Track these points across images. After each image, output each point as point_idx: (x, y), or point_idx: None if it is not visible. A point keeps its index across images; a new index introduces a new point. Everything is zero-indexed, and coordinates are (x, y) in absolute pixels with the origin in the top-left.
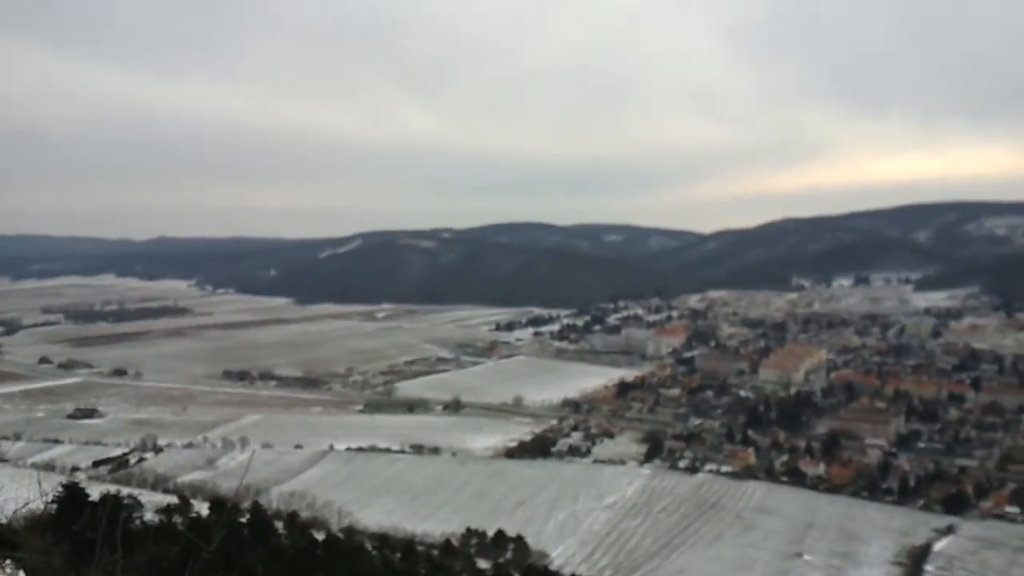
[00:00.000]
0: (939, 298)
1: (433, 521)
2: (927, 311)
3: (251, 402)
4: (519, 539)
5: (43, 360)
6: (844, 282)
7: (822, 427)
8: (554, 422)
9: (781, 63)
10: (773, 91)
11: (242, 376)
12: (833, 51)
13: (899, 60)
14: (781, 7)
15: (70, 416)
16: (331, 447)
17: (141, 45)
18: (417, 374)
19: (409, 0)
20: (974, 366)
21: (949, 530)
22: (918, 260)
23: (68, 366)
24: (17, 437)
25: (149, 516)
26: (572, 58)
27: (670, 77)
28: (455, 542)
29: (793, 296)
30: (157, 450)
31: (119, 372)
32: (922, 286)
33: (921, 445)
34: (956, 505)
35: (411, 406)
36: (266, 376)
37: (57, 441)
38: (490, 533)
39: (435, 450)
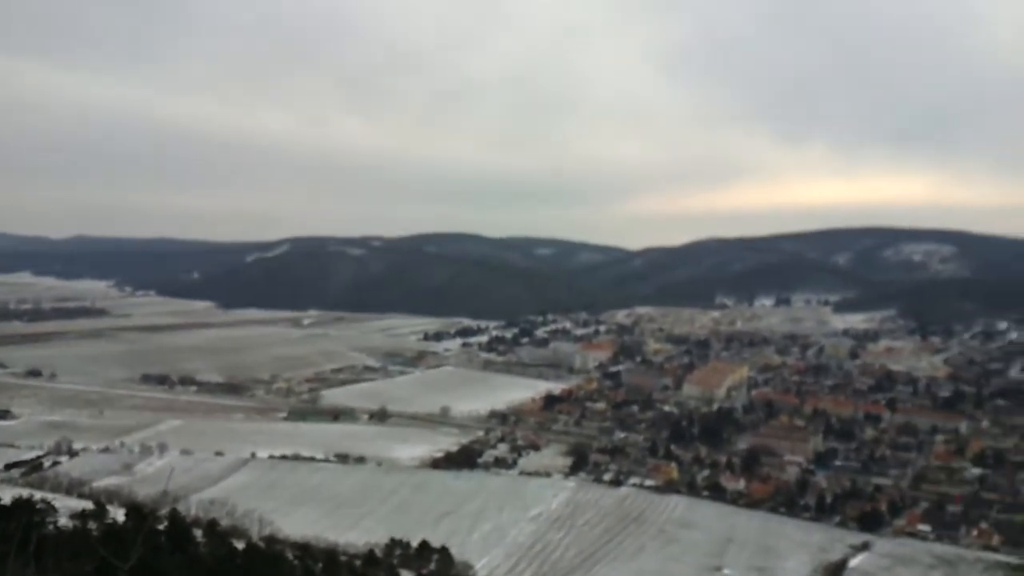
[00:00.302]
0: (857, 320)
1: (357, 531)
2: (845, 332)
3: (171, 407)
4: (443, 550)
5: None
6: (766, 302)
7: (743, 443)
8: (481, 433)
9: (711, 87)
10: (702, 114)
11: (162, 380)
12: (761, 78)
13: (824, 90)
14: (712, 34)
15: None
16: (253, 455)
17: (72, 42)
18: (344, 382)
19: (348, 10)
20: (890, 387)
21: (864, 547)
22: (838, 283)
23: None
24: None
25: (63, 522)
26: (509, 71)
27: (605, 95)
28: (379, 552)
29: (717, 314)
30: (72, 454)
31: (34, 373)
32: (841, 308)
33: (838, 463)
34: (871, 522)
35: (337, 415)
36: (187, 381)
37: None
38: (414, 544)
39: (360, 459)
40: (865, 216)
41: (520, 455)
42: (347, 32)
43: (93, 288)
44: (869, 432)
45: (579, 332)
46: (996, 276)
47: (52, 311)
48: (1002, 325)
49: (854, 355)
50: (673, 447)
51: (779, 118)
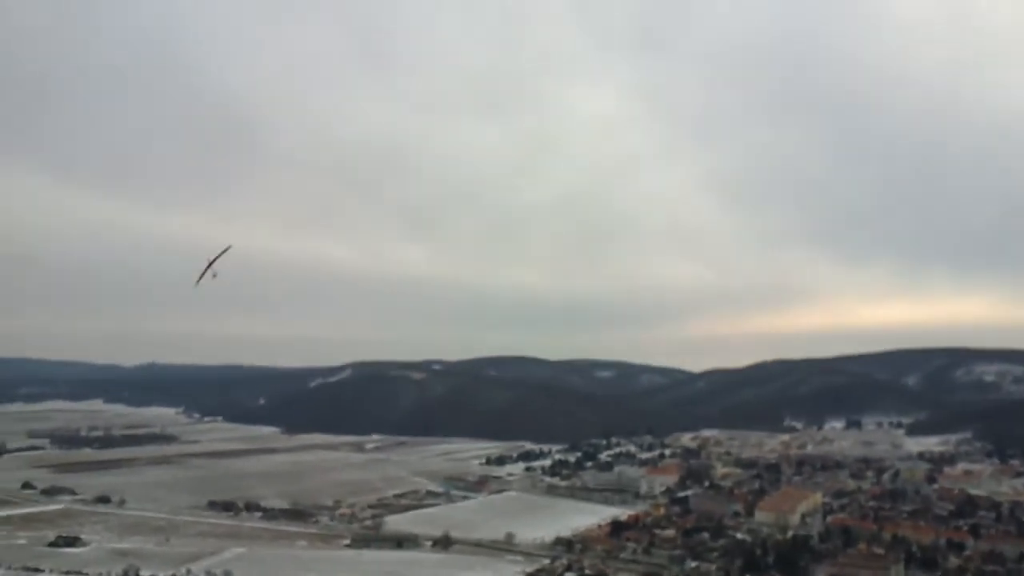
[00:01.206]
0: (932, 443)
1: None
2: (920, 455)
3: (235, 534)
4: None
5: (26, 485)
6: (836, 424)
7: (820, 572)
8: (547, 561)
9: (767, 211)
10: (759, 237)
11: (227, 506)
12: (817, 202)
13: (880, 212)
14: (767, 159)
15: (51, 544)
16: None
17: (141, 176)
18: (406, 508)
19: (408, 144)
20: (971, 512)
21: None
22: (909, 404)
23: (51, 492)
24: None
25: None
26: (563, 200)
27: (658, 219)
28: None
29: (786, 437)
30: None
31: (103, 499)
32: (914, 430)
33: None
34: None
35: (400, 541)
36: (252, 507)
37: (38, 570)
38: None
39: None
40: (932, 337)
41: None
42: (406, 166)
43: (162, 415)
44: (953, 560)
45: (643, 456)
46: None
47: (122, 438)
48: None
49: (931, 479)
50: None
51: (838, 240)
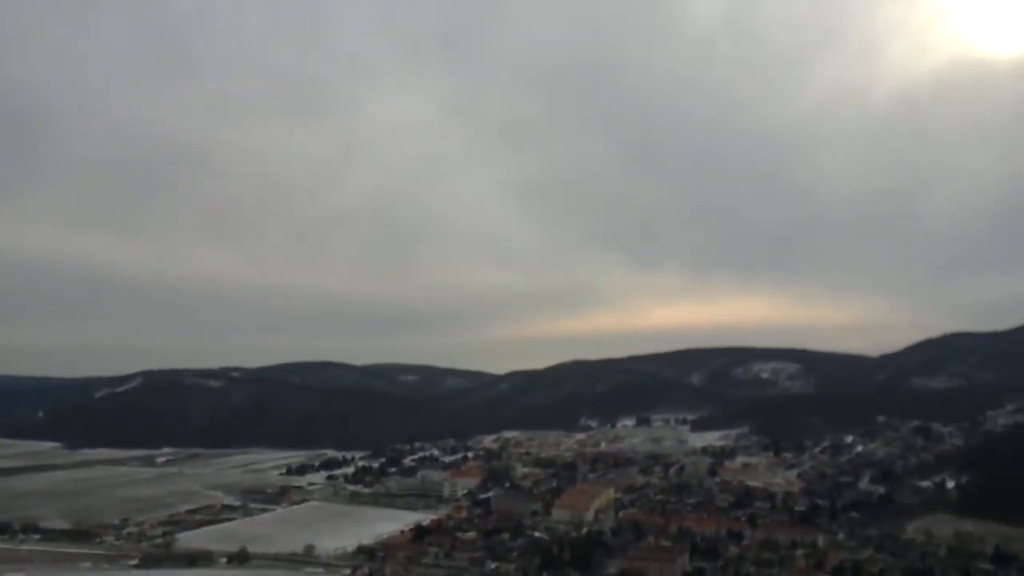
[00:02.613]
0: (714, 437)
1: None
2: (704, 450)
3: (11, 558)
4: None
5: None
6: (628, 422)
7: (613, 567)
8: (347, 571)
9: (565, 218)
10: (558, 243)
11: (2, 529)
12: (612, 210)
13: (671, 220)
14: (564, 169)
15: None
16: None
17: None
18: (200, 523)
19: (211, 146)
20: (749, 503)
21: None
22: (694, 401)
23: None
24: None
25: None
26: (370, 204)
27: (464, 224)
28: None
29: (582, 436)
30: None
31: None
32: (698, 426)
33: None
34: None
35: (192, 559)
36: (30, 528)
37: None
38: None
39: None
40: (716, 337)
41: None
42: (208, 169)
43: None
44: (733, 549)
45: (447, 459)
46: (838, 392)
47: None
48: (848, 439)
49: (713, 472)
50: (545, 575)
51: (633, 246)
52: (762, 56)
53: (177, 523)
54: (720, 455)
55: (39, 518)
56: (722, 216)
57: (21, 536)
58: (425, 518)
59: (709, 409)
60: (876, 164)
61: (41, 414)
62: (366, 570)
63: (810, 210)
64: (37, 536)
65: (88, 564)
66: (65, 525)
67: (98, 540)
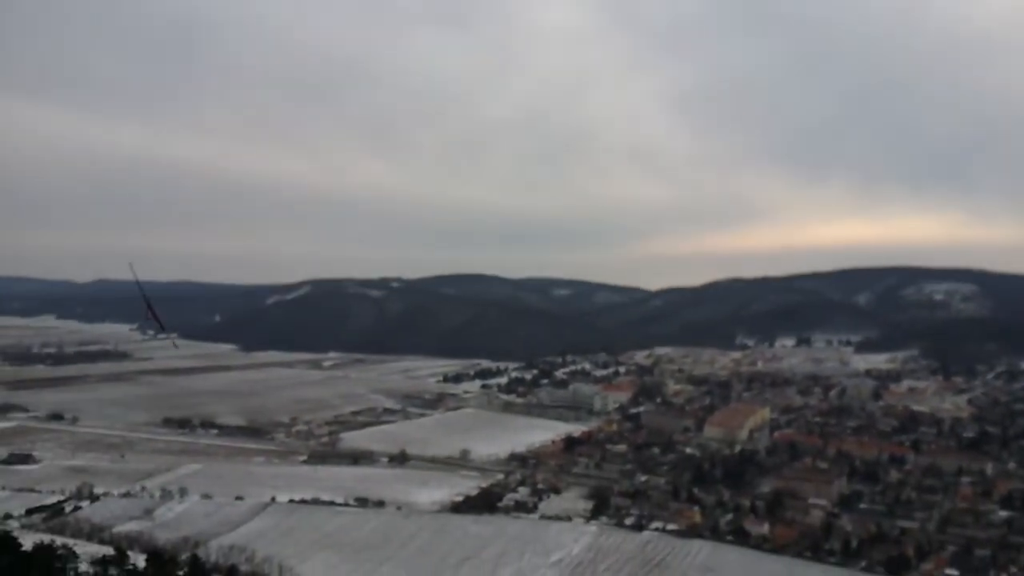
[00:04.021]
0: (879, 360)
1: None
2: (867, 373)
3: (191, 451)
4: None
5: None
6: (787, 342)
7: (766, 486)
8: (500, 476)
9: (724, 130)
10: (716, 155)
11: (182, 424)
12: (774, 121)
13: (839, 130)
14: (724, 78)
15: (3, 461)
16: (273, 499)
17: (89, 87)
18: (363, 425)
19: (366, 56)
20: (913, 428)
21: None
22: (858, 323)
23: (3, 409)
24: None
25: (84, 567)
26: (524, 115)
27: (618, 137)
28: None
29: (737, 355)
30: (93, 498)
31: (56, 416)
32: (862, 348)
33: (863, 506)
34: (897, 567)
35: (356, 458)
36: (207, 424)
37: None
38: None
39: (380, 503)
40: (885, 256)
41: (540, 499)
42: (363, 80)
43: (115, 331)
44: (894, 474)
45: (599, 373)
46: (1016, 315)
47: (75, 355)
48: None
49: (877, 396)
50: (695, 490)
51: (794, 159)
52: None
53: (342, 424)
54: (885, 378)
55: (216, 415)
56: (894, 126)
57: (199, 431)
58: (576, 429)
59: (875, 331)
60: None
61: (218, 318)
62: (518, 476)
63: (990, 120)
64: (214, 431)
65: (261, 459)
66: (239, 422)
67: (269, 437)
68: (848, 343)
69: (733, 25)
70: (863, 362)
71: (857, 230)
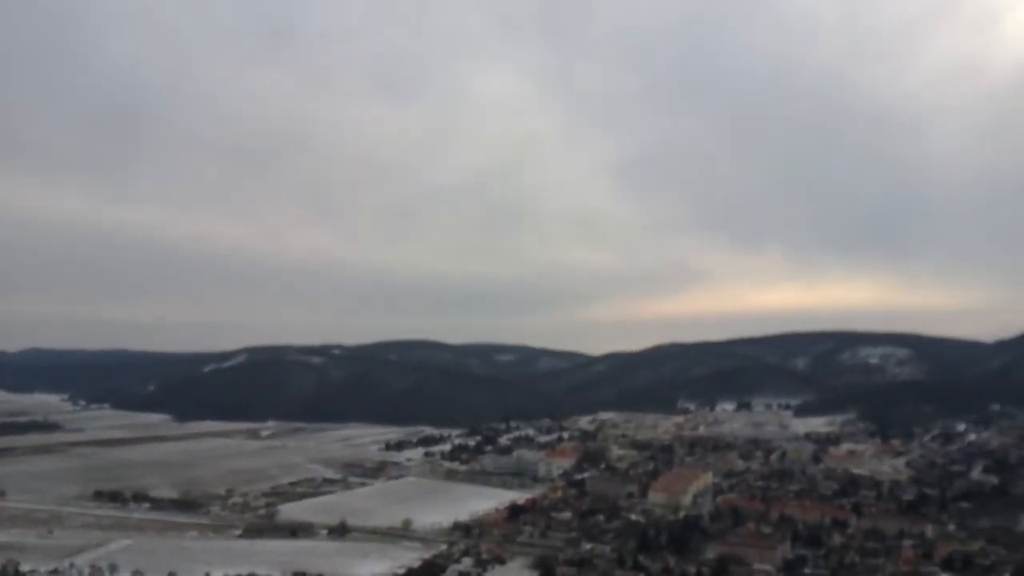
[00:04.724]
0: (818, 424)
1: None
2: (807, 436)
3: (122, 525)
4: None
5: None
6: (727, 406)
7: (711, 552)
8: (444, 547)
9: (662, 198)
10: (655, 222)
11: (114, 497)
12: (710, 190)
13: (773, 197)
14: (661, 148)
15: None
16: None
17: (28, 153)
18: (302, 496)
19: (309, 125)
20: (854, 491)
21: None
22: (797, 387)
23: None
24: None
25: None
26: (466, 182)
27: (559, 204)
28: None
29: (679, 419)
30: None
31: None
32: (801, 412)
33: (807, 571)
34: None
35: (294, 530)
36: (140, 497)
37: None
38: None
39: None
40: (821, 321)
41: (485, 569)
42: (307, 147)
43: (46, 402)
44: (837, 538)
45: (542, 439)
46: (950, 378)
47: (1, 426)
48: (960, 427)
49: (817, 459)
50: (641, 558)
51: (730, 226)
52: (870, 28)
53: (280, 495)
54: (824, 441)
55: (149, 487)
56: (826, 195)
57: (132, 504)
58: (520, 497)
59: (813, 395)
60: (991, 142)
61: (152, 387)
62: (462, 546)
63: (920, 189)
64: (147, 505)
65: (194, 533)
66: (173, 495)
67: (204, 510)
68: (787, 407)
69: (668, 96)
70: (802, 425)
71: (793, 295)
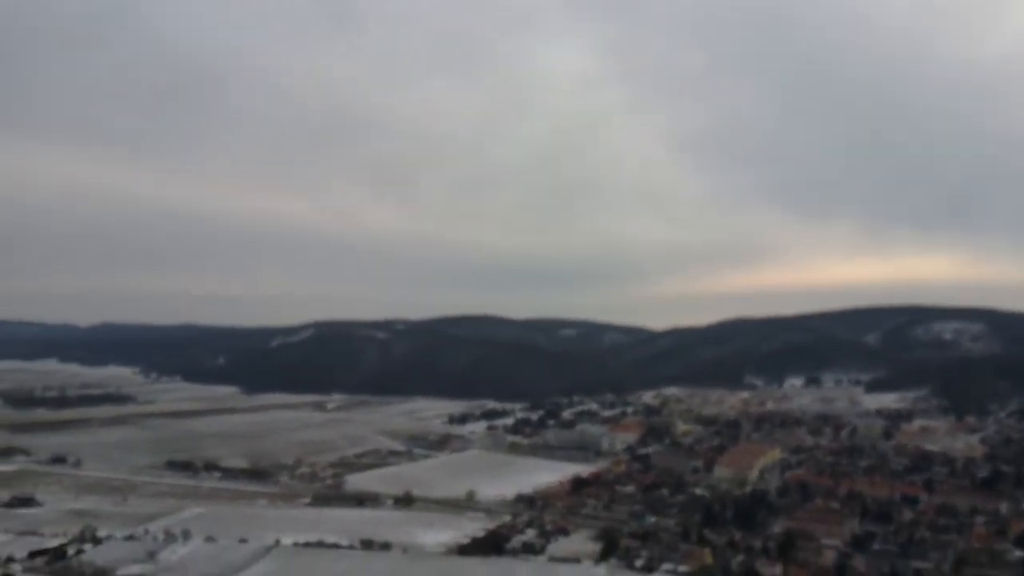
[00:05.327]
0: (889, 400)
1: None
2: (878, 412)
3: (194, 494)
4: None
5: None
6: (796, 382)
7: (777, 527)
8: (508, 518)
9: (731, 170)
10: (723, 196)
11: (186, 466)
12: (781, 161)
13: (845, 170)
14: (731, 119)
15: (6, 505)
16: (277, 542)
17: (101, 134)
18: (368, 467)
19: (375, 103)
20: (926, 468)
21: None
22: (868, 362)
23: (5, 452)
24: None
25: None
26: (530, 158)
27: (625, 178)
28: None
29: (746, 395)
30: (96, 542)
31: (58, 460)
32: (872, 387)
33: (876, 547)
34: None
35: (361, 500)
36: (211, 467)
37: None
38: None
39: (385, 546)
40: (893, 295)
41: (548, 541)
42: (373, 125)
43: (118, 375)
44: (907, 514)
45: (606, 414)
46: None
47: (77, 398)
48: None
49: (888, 435)
50: (706, 531)
51: (801, 199)
52: None
53: (346, 466)
54: (896, 418)
55: (219, 458)
56: (900, 166)
57: (203, 474)
58: (583, 470)
59: (885, 370)
60: None
61: (221, 360)
62: (525, 517)
63: (997, 161)
64: (217, 474)
65: (264, 501)
66: (243, 465)
67: (273, 480)
68: (858, 382)
69: (738, 68)
70: (873, 401)
71: (865, 269)
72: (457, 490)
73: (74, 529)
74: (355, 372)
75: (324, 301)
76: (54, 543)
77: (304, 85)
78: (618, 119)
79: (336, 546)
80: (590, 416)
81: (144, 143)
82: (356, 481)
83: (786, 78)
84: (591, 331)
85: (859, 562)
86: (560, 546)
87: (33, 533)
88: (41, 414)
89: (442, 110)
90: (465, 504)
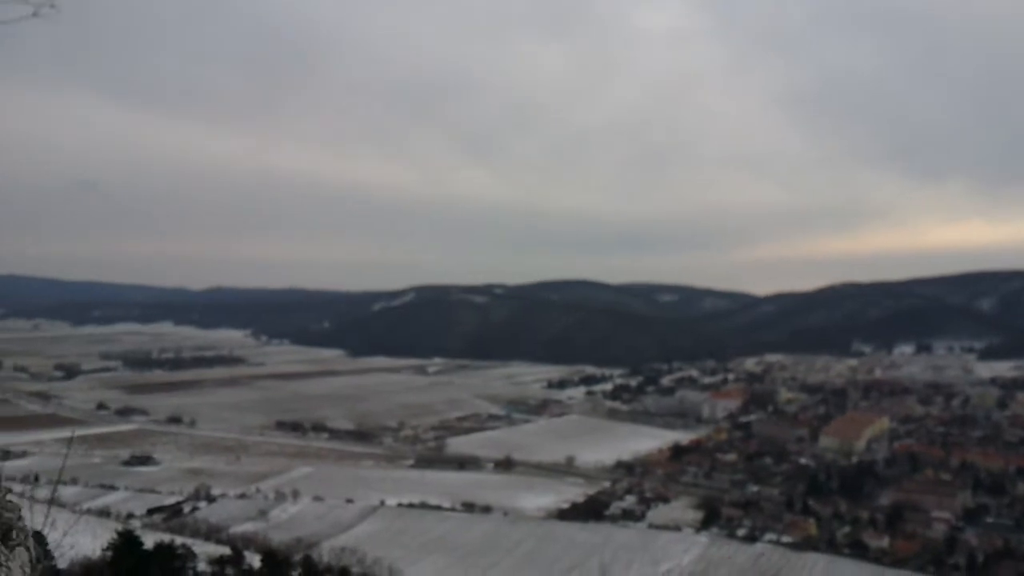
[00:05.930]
0: (1004, 368)
1: None
2: (992, 381)
3: (303, 454)
4: None
5: (100, 406)
6: (906, 349)
7: (885, 498)
8: (607, 484)
9: (836, 130)
10: (826, 157)
11: (295, 427)
12: (889, 119)
13: (956, 129)
14: (835, 77)
15: (125, 463)
16: (382, 502)
17: (201, 100)
18: (468, 430)
19: (467, 67)
20: None
21: None
22: (982, 329)
23: (124, 412)
24: (73, 482)
25: (202, 567)
26: (626, 119)
27: (725, 138)
28: None
29: (853, 362)
30: (210, 499)
31: (174, 420)
32: (986, 355)
33: (989, 520)
34: None
35: (462, 463)
36: (318, 428)
37: (112, 487)
38: None
39: (486, 509)
40: (1009, 259)
41: (648, 507)
42: (465, 89)
43: (230, 337)
44: (1022, 487)
45: (706, 380)
46: None
47: (192, 360)
48: None
49: (1002, 405)
50: (810, 502)
51: (909, 159)
52: None
53: (447, 429)
54: (1011, 387)
55: (326, 419)
56: (1015, 124)
57: (311, 434)
58: (683, 437)
59: (1000, 337)
60: None
61: (326, 324)
62: (625, 484)
63: None
64: (325, 435)
65: (369, 462)
66: (349, 426)
67: (377, 441)
68: (971, 350)
69: (840, 23)
70: (987, 370)
71: (978, 232)
72: (557, 455)
73: (189, 487)
74: (454, 336)
75: (423, 266)
76: (171, 500)
77: (398, 50)
78: (718, 78)
79: (439, 508)
80: (690, 382)
81: (248, 109)
82: (457, 444)
83: (896, 32)
84: (689, 296)
85: (971, 536)
86: (660, 513)
87: (151, 491)
88: (158, 375)
89: (536, 73)
90: (565, 469)
